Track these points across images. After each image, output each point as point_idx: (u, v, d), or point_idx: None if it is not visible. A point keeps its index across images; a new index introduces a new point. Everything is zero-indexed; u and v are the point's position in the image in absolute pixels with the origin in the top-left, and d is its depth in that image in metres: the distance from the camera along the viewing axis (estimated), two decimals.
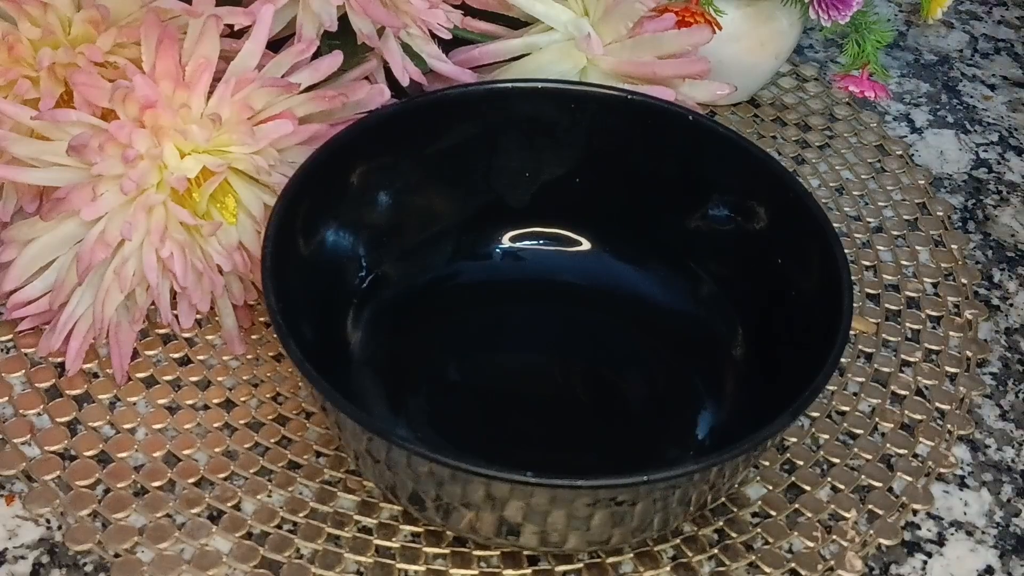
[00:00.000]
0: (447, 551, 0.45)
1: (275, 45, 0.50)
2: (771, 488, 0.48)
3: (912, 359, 0.54)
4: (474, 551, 0.45)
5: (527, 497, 0.40)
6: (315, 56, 0.49)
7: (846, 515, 0.48)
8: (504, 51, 0.57)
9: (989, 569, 0.47)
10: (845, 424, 0.51)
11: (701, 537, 0.47)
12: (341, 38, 0.51)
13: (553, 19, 0.56)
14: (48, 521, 0.46)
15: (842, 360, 0.52)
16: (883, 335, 0.55)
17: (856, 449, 0.50)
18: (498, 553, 0.45)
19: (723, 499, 0.48)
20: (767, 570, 0.46)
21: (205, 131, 0.46)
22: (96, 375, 0.51)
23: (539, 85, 0.52)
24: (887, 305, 0.56)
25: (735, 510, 0.48)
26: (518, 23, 0.57)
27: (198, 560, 0.45)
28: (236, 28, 0.48)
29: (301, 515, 0.46)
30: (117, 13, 0.47)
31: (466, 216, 0.53)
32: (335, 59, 0.50)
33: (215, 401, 0.50)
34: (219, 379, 0.51)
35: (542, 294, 0.53)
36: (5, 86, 0.46)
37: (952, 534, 0.48)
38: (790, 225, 0.49)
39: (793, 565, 0.46)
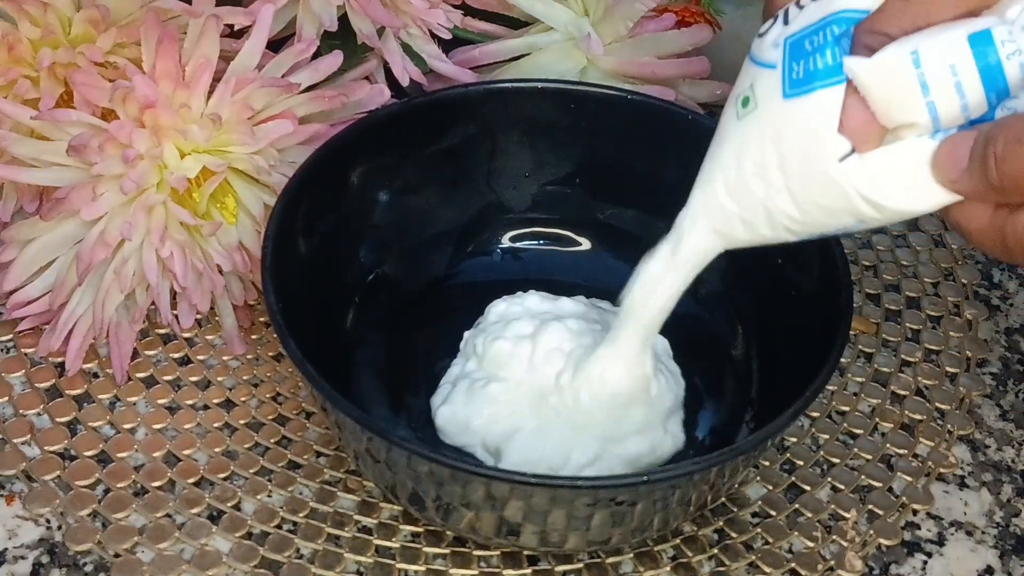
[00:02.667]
0: (447, 551, 0.45)
1: (275, 45, 0.50)
2: (771, 488, 0.48)
3: (912, 359, 0.54)
4: (474, 551, 0.45)
5: (527, 497, 0.40)
6: (315, 56, 0.49)
7: (846, 515, 0.48)
8: (504, 51, 0.57)
9: (989, 569, 0.47)
10: (845, 424, 0.51)
11: (701, 537, 0.47)
12: (341, 38, 0.51)
13: (553, 19, 0.56)
14: (48, 521, 0.46)
15: (842, 360, 0.52)
16: (883, 335, 0.55)
17: (856, 449, 0.50)
18: (498, 553, 0.45)
19: (723, 499, 0.48)
20: (767, 570, 0.46)
21: (205, 131, 0.46)
22: (96, 375, 0.51)
23: (539, 85, 0.52)
24: (887, 305, 0.56)
25: (735, 510, 0.48)
26: (518, 23, 0.57)
27: (198, 560, 0.44)
28: (236, 28, 0.48)
29: (301, 515, 0.46)
30: (117, 13, 0.47)
31: (466, 216, 0.53)
32: (335, 59, 0.50)
33: (215, 401, 0.50)
34: (219, 379, 0.51)
35: None
36: (5, 86, 0.46)
37: (952, 534, 0.48)
38: None
39: (793, 565, 0.46)
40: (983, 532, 0.48)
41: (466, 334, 0.49)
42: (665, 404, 0.46)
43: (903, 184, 0.36)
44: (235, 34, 0.49)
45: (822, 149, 0.35)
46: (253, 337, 0.52)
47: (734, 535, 0.47)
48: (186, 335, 0.52)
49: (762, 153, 0.37)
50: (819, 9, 0.35)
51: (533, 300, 0.49)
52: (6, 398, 0.49)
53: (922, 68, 0.33)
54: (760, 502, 0.48)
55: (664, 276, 0.42)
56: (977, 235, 0.36)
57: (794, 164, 0.36)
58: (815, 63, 0.35)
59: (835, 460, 0.50)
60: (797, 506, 0.48)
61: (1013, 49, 0.33)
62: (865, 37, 0.35)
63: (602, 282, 0.52)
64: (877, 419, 0.51)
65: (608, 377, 0.45)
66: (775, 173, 0.37)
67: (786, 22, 0.36)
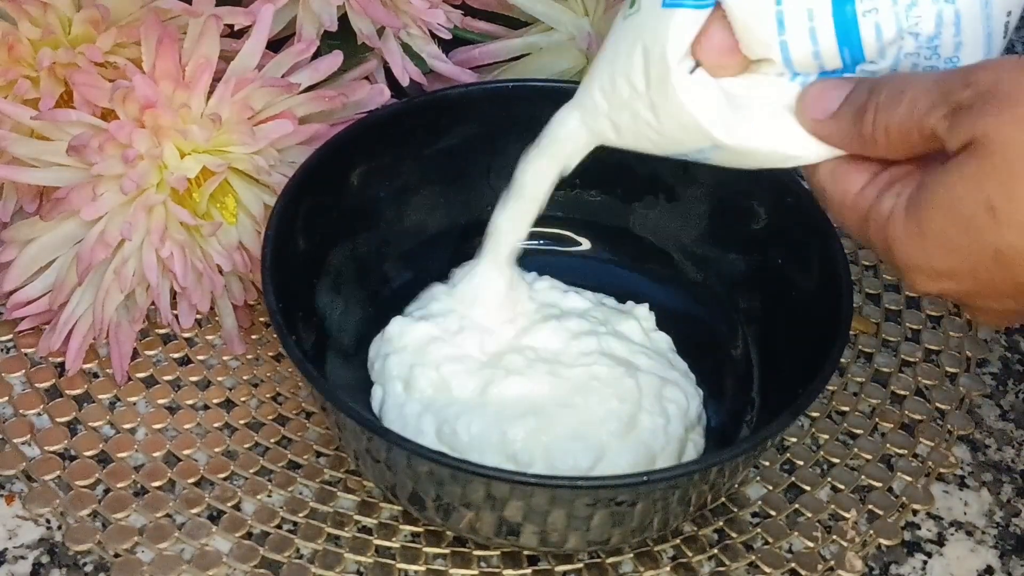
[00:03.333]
0: (447, 551, 0.45)
1: (275, 45, 0.50)
2: (771, 488, 0.48)
3: (912, 359, 0.54)
4: (474, 551, 0.45)
5: (527, 497, 0.40)
6: (315, 56, 0.49)
7: (846, 515, 0.48)
8: (504, 51, 0.57)
9: (989, 569, 0.47)
10: (845, 424, 0.51)
11: (701, 537, 0.47)
12: (341, 38, 0.51)
13: (553, 19, 0.56)
14: (48, 521, 0.46)
15: (842, 360, 0.52)
16: (883, 335, 0.55)
17: (856, 449, 0.50)
18: (498, 553, 0.45)
19: (723, 499, 0.48)
20: (767, 570, 0.46)
21: (205, 131, 0.46)
22: (96, 375, 0.51)
23: (539, 85, 0.52)
24: (887, 305, 0.56)
25: (735, 510, 0.48)
26: (518, 23, 0.57)
27: (198, 560, 0.44)
28: (236, 28, 0.48)
29: (301, 515, 0.46)
30: (117, 13, 0.47)
31: (466, 216, 0.53)
32: (335, 59, 0.50)
33: (215, 401, 0.50)
34: (219, 379, 0.51)
35: None
36: (5, 86, 0.46)
37: (952, 534, 0.48)
38: (790, 225, 0.49)
39: (793, 565, 0.46)
40: (983, 532, 0.48)
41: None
42: (691, 416, 0.46)
43: (756, 117, 0.36)
44: (235, 34, 0.49)
45: (675, 61, 0.36)
46: (253, 337, 0.52)
47: (734, 535, 0.47)
48: (186, 335, 0.52)
49: (631, 56, 0.37)
50: None
51: (542, 285, 0.50)
52: (6, 398, 0.49)
53: (782, 6, 0.34)
54: (760, 502, 0.48)
55: (535, 161, 0.43)
56: (838, 206, 0.36)
57: (654, 72, 0.37)
58: None
59: (835, 460, 0.50)
60: (797, 506, 0.48)
61: (870, 7, 0.34)
62: None
63: (602, 282, 0.52)
64: (877, 419, 0.51)
65: (478, 281, 0.46)
66: (640, 78, 0.37)
67: None
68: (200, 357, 0.52)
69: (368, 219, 0.51)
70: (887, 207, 0.34)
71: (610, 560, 0.45)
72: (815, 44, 0.34)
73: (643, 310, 0.50)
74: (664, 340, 0.49)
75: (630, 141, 0.39)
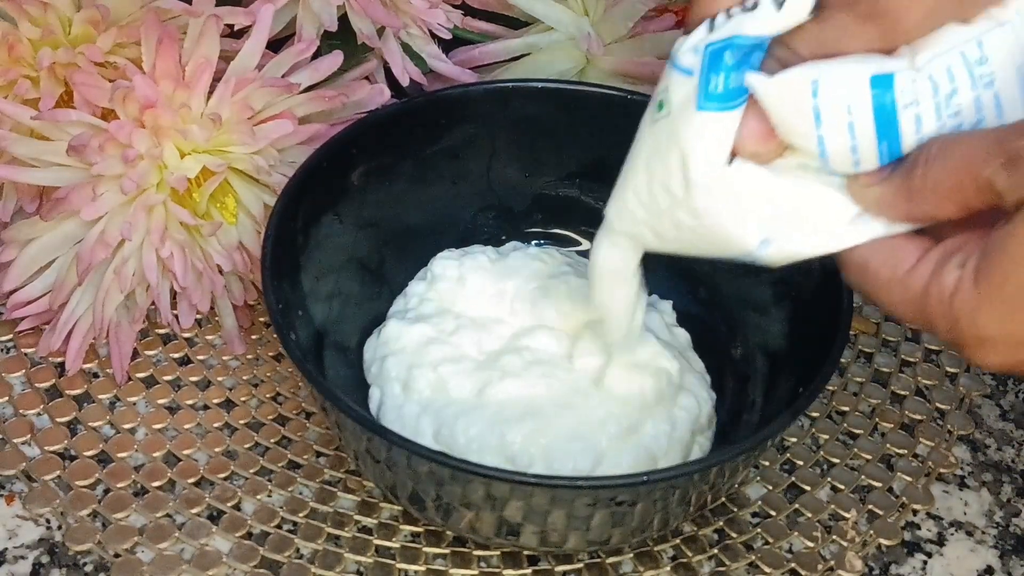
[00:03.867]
0: (447, 551, 0.45)
1: (275, 45, 0.50)
2: (771, 488, 0.48)
3: (912, 359, 0.54)
4: (474, 551, 0.45)
5: (527, 497, 0.40)
6: (315, 56, 0.49)
7: (846, 515, 0.48)
8: (504, 51, 0.57)
9: (989, 569, 0.47)
10: (845, 424, 0.51)
11: (701, 537, 0.47)
12: (341, 38, 0.51)
13: (553, 19, 0.56)
14: (48, 521, 0.46)
15: (842, 360, 0.52)
16: (883, 335, 0.55)
17: (856, 449, 0.50)
18: (498, 553, 0.45)
19: (723, 499, 0.48)
20: (767, 570, 0.46)
21: (205, 131, 0.46)
22: (96, 375, 0.51)
23: (539, 85, 0.52)
24: None
25: (735, 510, 0.48)
26: (518, 23, 0.57)
27: (198, 560, 0.44)
28: (236, 28, 0.48)
29: (301, 515, 0.46)
30: (117, 13, 0.47)
31: (466, 216, 0.53)
32: (335, 59, 0.50)
33: (215, 401, 0.50)
34: (219, 379, 0.51)
35: None
36: (5, 86, 0.46)
37: (952, 534, 0.48)
38: None
39: (793, 565, 0.46)
40: (983, 532, 0.48)
41: None
42: (701, 421, 0.46)
43: (796, 213, 0.35)
44: (235, 34, 0.49)
45: (715, 166, 0.34)
46: (253, 337, 0.52)
47: (734, 535, 0.47)
48: (186, 335, 0.52)
49: (667, 162, 0.35)
50: (748, 25, 0.34)
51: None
52: (6, 398, 0.49)
53: (819, 99, 0.33)
54: (760, 502, 0.48)
55: (594, 273, 0.42)
56: (885, 284, 0.34)
57: (693, 178, 0.35)
58: (732, 81, 0.34)
59: (835, 460, 0.50)
60: (797, 506, 0.48)
61: (911, 100, 0.32)
62: (779, 51, 0.34)
63: None
64: (877, 419, 0.51)
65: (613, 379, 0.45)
66: (678, 185, 0.35)
67: (711, 29, 0.34)
68: (200, 357, 0.52)
69: (368, 219, 0.51)
70: (950, 280, 0.32)
71: (610, 560, 0.45)
72: (853, 139, 0.33)
73: (666, 305, 0.50)
74: (684, 336, 0.49)
75: (675, 248, 0.37)
